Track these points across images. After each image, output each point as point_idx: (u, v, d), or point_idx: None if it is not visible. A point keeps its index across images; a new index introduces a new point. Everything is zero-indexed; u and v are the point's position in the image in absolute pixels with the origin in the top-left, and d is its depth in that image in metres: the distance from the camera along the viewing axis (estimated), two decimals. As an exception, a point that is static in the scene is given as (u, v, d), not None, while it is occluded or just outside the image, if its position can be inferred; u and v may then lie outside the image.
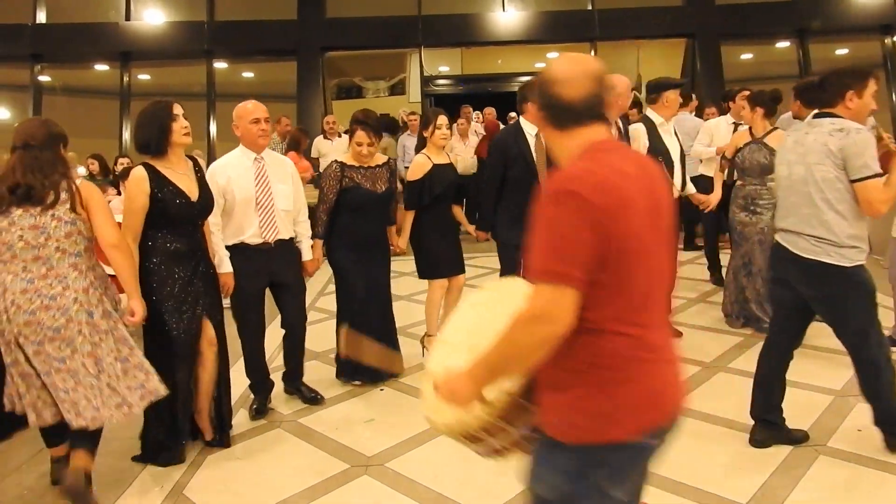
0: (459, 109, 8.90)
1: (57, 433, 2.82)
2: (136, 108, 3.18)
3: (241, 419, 3.41)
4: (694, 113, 7.11)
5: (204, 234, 3.10)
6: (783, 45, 11.40)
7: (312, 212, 3.68)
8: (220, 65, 11.36)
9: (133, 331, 2.75)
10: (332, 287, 3.94)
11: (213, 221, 3.22)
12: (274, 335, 3.68)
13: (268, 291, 3.49)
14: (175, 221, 2.89)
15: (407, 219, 3.99)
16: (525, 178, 3.60)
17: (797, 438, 2.93)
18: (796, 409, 2.99)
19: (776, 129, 4.46)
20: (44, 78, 11.24)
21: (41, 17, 10.97)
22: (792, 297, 2.83)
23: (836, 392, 3.47)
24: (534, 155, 3.69)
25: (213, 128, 11.02)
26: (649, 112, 4.39)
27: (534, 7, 11.11)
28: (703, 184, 5.29)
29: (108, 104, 11.04)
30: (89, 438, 2.61)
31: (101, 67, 11.54)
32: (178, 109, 2.90)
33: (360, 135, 3.62)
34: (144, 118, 2.90)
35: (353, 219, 3.66)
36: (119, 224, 2.77)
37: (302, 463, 2.99)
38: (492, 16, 10.98)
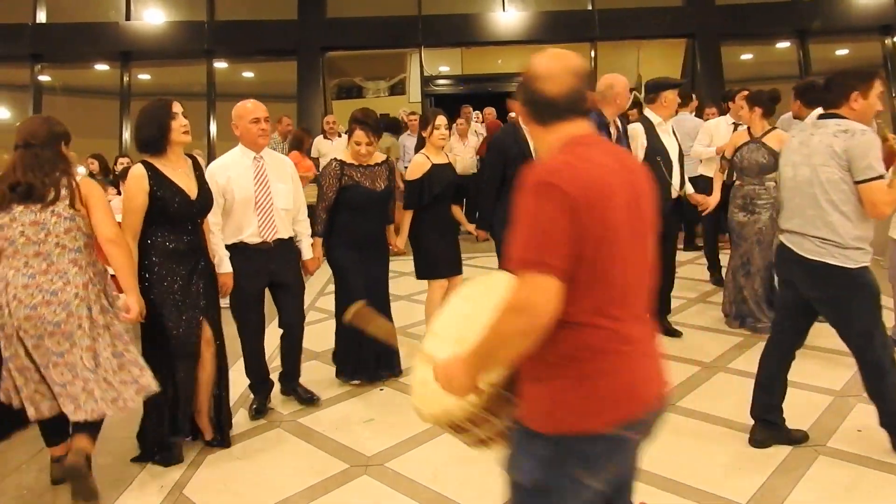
0: (459, 109, 8.90)
1: (56, 432, 2.84)
2: (137, 108, 3.18)
3: (240, 419, 3.41)
4: (694, 113, 7.11)
5: (203, 233, 3.09)
6: (783, 45, 11.40)
7: (313, 210, 3.68)
8: (220, 65, 11.36)
9: (128, 328, 2.76)
10: (332, 287, 3.94)
11: (213, 221, 3.21)
12: (274, 335, 3.67)
13: (267, 291, 3.49)
14: (174, 220, 2.89)
15: (405, 218, 3.99)
16: None
17: (797, 439, 2.93)
18: (796, 410, 2.99)
19: (774, 128, 4.47)
20: (44, 78, 11.24)
21: (41, 16, 10.98)
22: (795, 298, 2.83)
23: (836, 392, 3.47)
24: (533, 154, 3.70)
25: (213, 128, 11.02)
26: (647, 112, 4.39)
27: (534, 7, 11.11)
28: (703, 184, 5.29)
29: (108, 104, 11.04)
30: (91, 424, 2.66)
31: (102, 67, 11.54)
32: (177, 108, 2.90)
33: (359, 134, 3.62)
34: (144, 116, 2.90)
35: (352, 217, 3.66)
36: (119, 222, 2.79)
37: (301, 463, 2.98)
38: (492, 16, 10.98)
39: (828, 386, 3.53)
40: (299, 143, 7.53)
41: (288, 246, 3.46)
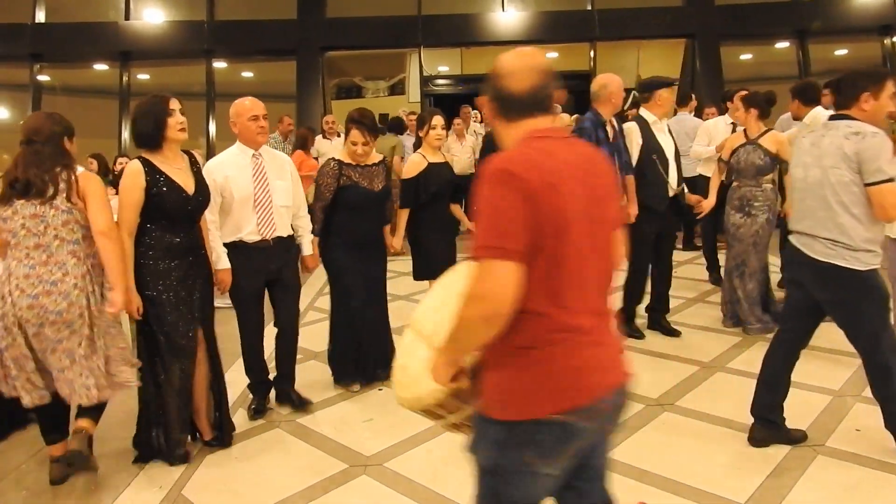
0: (459, 109, 8.90)
1: (55, 429, 2.86)
2: (136, 107, 3.18)
3: (239, 419, 3.41)
4: (693, 113, 7.12)
5: (200, 230, 3.08)
6: (783, 45, 11.40)
7: (313, 209, 3.68)
8: (219, 64, 11.35)
9: (116, 321, 2.81)
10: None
11: (210, 219, 3.20)
12: (273, 335, 3.67)
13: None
14: (171, 216, 2.88)
15: (401, 217, 3.99)
16: None
17: (796, 438, 2.93)
18: (795, 409, 2.99)
19: (770, 130, 4.48)
20: (43, 77, 11.24)
21: (40, 16, 10.97)
22: (803, 298, 2.83)
23: (835, 392, 3.48)
24: None
25: (212, 127, 11.02)
26: (643, 111, 4.40)
27: (533, 7, 11.11)
28: (703, 184, 5.30)
29: (108, 104, 11.03)
30: (92, 407, 2.82)
31: (101, 67, 11.54)
32: (174, 104, 2.88)
33: (355, 134, 3.59)
34: (140, 111, 2.88)
35: (350, 217, 3.64)
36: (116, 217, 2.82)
37: (300, 463, 2.98)
38: (491, 16, 10.98)
39: (827, 386, 3.53)
40: (303, 143, 7.53)
41: (287, 244, 3.44)
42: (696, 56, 10.74)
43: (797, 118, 4.76)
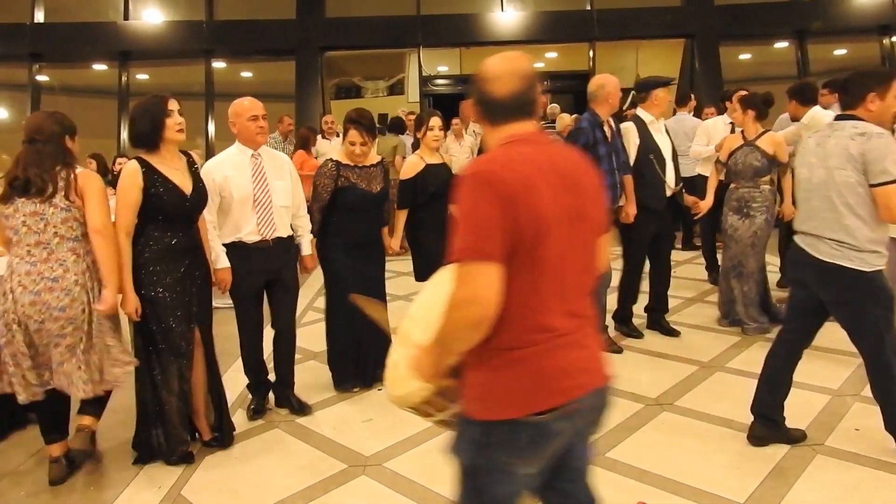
0: (458, 109, 8.89)
1: (55, 429, 2.86)
2: (135, 108, 3.18)
3: (239, 419, 3.40)
4: (692, 113, 7.13)
5: (198, 231, 3.06)
6: (782, 45, 11.41)
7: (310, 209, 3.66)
8: (218, 64, 11.35)
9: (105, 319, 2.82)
10: (330, 288, 3.93)
11: (209, 219, 3.20)
12: (271, 335, 3.67)
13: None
14: (169, 217, 2.87)
15: (399, 218, 3.99)
16: None
17: (795, 438, 2.93)
18: (794, 409, 2.99)
19: (767, 131, 4.49)
20: (42, 77, 11.23)
21: (39, 16, 10.96)
22: (807, 298, 2.83)
23: (834, 392, 3.48)
24: None
25: (211, 127, 11.01)
26: (639, 111, 4.40)
27: (533, 7, 11.11)
28: (701, 184, 5.30)
29: (107, 104, 11.03)
30: (94, 404, 2.94)
31: (100, 67, 11.54)
32: (173, 105, 2.87)
33: (353, 134, 3.58)
34: (138, 111, 2.87)
35: (348, 218, 3.62)
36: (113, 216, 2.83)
37: (300, 463, 2.98)
38: (491, 16, 10.98)
39: (825, 385, 3.53)
40: (305, 143, 7.52)
41: (287, 245, 3.43)
42: (696, 56, 10.75)
43: (795, 118, 4.77)
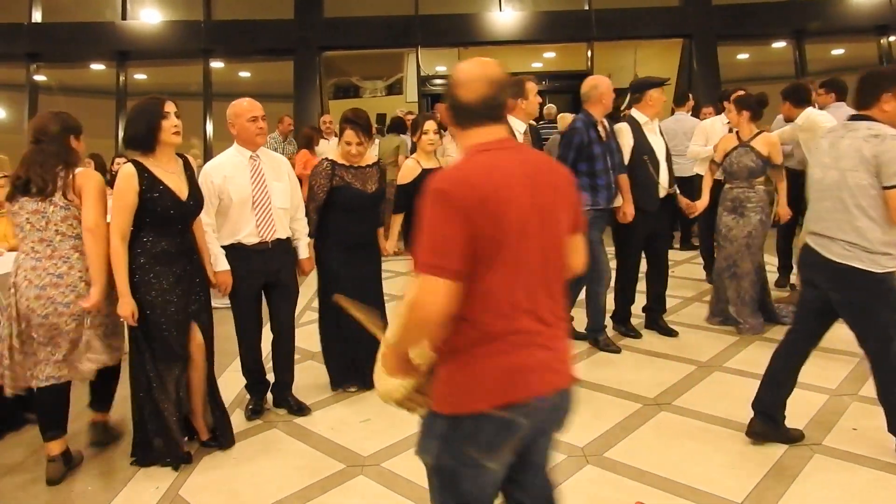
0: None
1: (55, 425, 2.87)
2: (133, 108, 3.17)
3: (237, 419, 3.39)
4: (690, 113, 7.13)
5: (194, 234, 3.05)
6: (780, 45, 11.42)
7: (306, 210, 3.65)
8: (216, 64, 11.34)
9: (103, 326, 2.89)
10: (328, 288, 3.92)
11: (208, 222, 3.19)
12: (269, 337, 3.67)
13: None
14: (163, 221, 2.85)
15: (395, 222, 3.99)
16: None
17: (793, 437, 2.93)
18: (792, 408, 2.99)
19: (762, 132, 4.50)
20: (40, 77, 11.21)
21: (37, 16, 10.95)
22: (816, 299, 2.83)
23: (832, 391, 3.48)
24: None
25: (209, 127, 11.00)
26: (634, 111, 4.40)
27: (531, 7, 11.11)
28: (699, 184, 5.29)
29: (105, 104, 11.01)
30: (101, 401, 3.17)
31: (98, 67, 11.52)
32: (170, 107, 2.85)
33: (349, 134, 3.57)
34: (134, 113, 2.86)
35: (343, 218, 3.61)
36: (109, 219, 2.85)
37: (298, 463, 2.98)
38: (489, 16, 10.98)
39: (823, 385, 3.54)
40: (309, 142, 7.51)
41: (286, 246, 3.43)
42: (694, 56, 10.76)
43: (788, 119, 4.79)
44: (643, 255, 4.56)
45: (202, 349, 2.98)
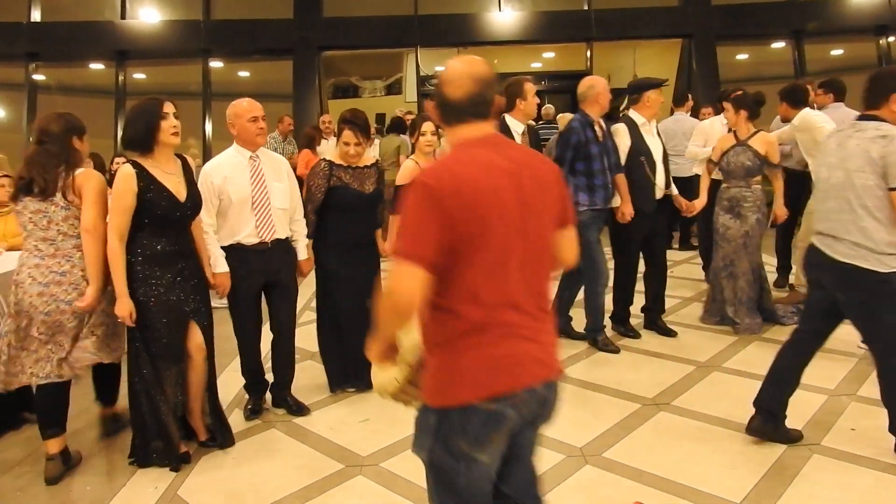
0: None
1: (54, 423, 2.89)
2: (132, 107, 3.18)
3: (235, 419, 3.40)
4: (690, 113, 7.14)
5: (192, 235, 3.04)
6: (779, 45, 11.42)
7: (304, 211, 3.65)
8: (216, 64, 11.32)
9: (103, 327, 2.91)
10: (327, 288, 3.92)
11: (208, 223, 3.19)
12: (268, 337, 3.66)
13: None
14: (161, 222, 2.85)
15: (393, 222, 3.98)
16: None
17: (791, 437, 2.94)
18: (790, 409, 2.99)
19: (760, 131, 4.50)
20: (39, 77, 11.19)
21: (36, 15, 10.93)
22: (822, 300, 2.83)
23: (830, 391, 3.49)
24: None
25: (208, 127, 10.99)
26: (631, 112, 4.41)
27: (530, 7, 11.11)
28: (699, 184, 5.30)
29: (104, 103, 10.99)
30: (106, 397, 3.32)
31: (97, 66, 11.50)
32: (168, 108, 2.85)
33: (348, 134, 3.56)
34: (133, 114, 2.86)
35: (341, 219, 3.60)
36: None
37: (297, 463, 2.98)
38: (488, 16, 10.98)
39: (822, 385, 3.54)
40: (311, 142, 7.50)
41: (286, 246, 3.42)
42: (693, 56, 10.75)
43: (785, 120, 4.80)
44: (641, 255, 4.56)
45: (202, 350, 2.98)
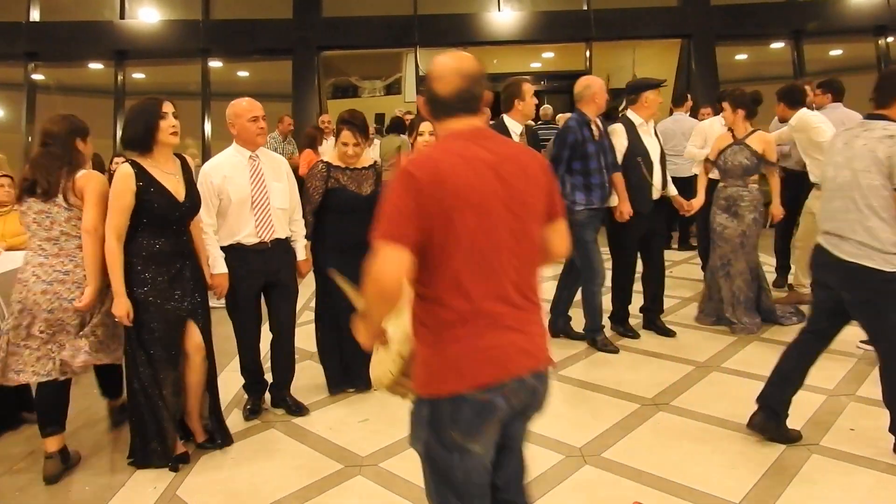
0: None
1: (55, 421, 2.90)
2: (131, 107, 3.18)
3: (234, 419, 3.40)
4: (689, 113, 7.14)
5: (191, 235, 3.04)
6: (778, 45, 11.44)
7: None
8: (215, 64, 11.32)
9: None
10: (327, 287, 3.92)
11: (208, 223, 3.18)
12: (267, 337, 3.66)
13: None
14: (159, 222, 2.84)
15: None
16: None
17: (791, 437, 2.94)
18: (790, 409, 3.00)
19: (757, 130, 4.50)
20: (38, 76, 11.19)
21: (35, 15, 10.92)
22: (829, 300, 2.83)
23: (829, 391, 3.49)
24: None
25: (207, 127, 10.99)
26: (629, 112, 4.41)
27: (529, 7, 11.11)
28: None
29: (103, 103, 10.99)
30: (111, 391, 3.39)
31: (96, 66, 11.49)
32: (168, 107, 2.85)
33: (346, 135, 3.55)
34: (132, 114, 2.86)
35: (339, 221, 3.58)
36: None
37: (296, 463, 2.98)
38: (487, 16, 10.98)
39: (820, 385, 3.54)
40: (312, 142, 7.50)
41: (286, 246, 3.42)
42: (692, 56, 10.76)
43: (783, 120, 4.80)
44: (639, 255, 4.56)
45: (200, 350, 2.97)
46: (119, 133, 10.68)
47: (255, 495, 2.72)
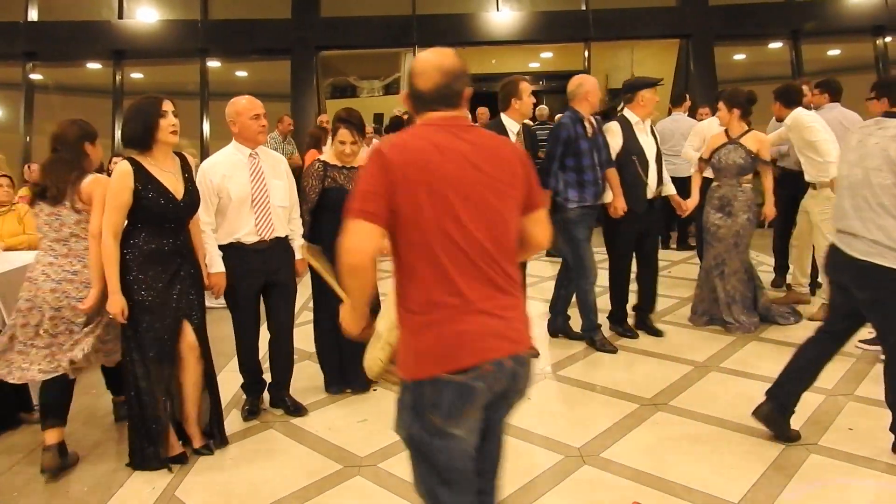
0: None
1: (57, 413, 2.92)
2: (130, 107, 3.17)
3: (233, 420, 3.40)
4: (687, 113, 7.14)
5: (189, 234, 3.03)
6: (776, 45, 11.45)
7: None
8: (213, 63, 11.32)
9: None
10: (326, 287, 3.92)
11: (207, 221, 3.18)
12: (267, 335, 3.66)
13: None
14: (157, 220, 2.84)
15: None
16: None
17: (790, 436, 2.94)
18: (797, 405, 3.00)
19: (752, 129, 4.50)
20: (36, 76, 11.18)
21: (33, 14, 10.91)
22: (844, 301, 2.83)
23: (828, 391, 3.49)
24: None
25: (206, 127, 10.98)
26: (626, 111, 4.41)
27: (528, 7, 11.12)
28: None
29: (101, 103, 10.98)
30: (116, 385, 3.40)
31: (94, 66, 11.49)
32: (167, 106, 2.85)
33: (343, 133, 3.55)
34: (132, 112, 2.86)
35: (336, 220, 3.56)
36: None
37: (294, 464, 2.98)
38: (486, 16, 10.98)
39: (819, 385, 3.51)
40: (317, 142, 7.49)
41: (285, 244, 3.40)
42: (691, 56, 10.77)
43: (780, 120, 4.81)
44: (634, 254, 4.56)
45: (194, 349, 2.96)
46: (117, 133, 10.67)
47: (254, 495, 2.72)
